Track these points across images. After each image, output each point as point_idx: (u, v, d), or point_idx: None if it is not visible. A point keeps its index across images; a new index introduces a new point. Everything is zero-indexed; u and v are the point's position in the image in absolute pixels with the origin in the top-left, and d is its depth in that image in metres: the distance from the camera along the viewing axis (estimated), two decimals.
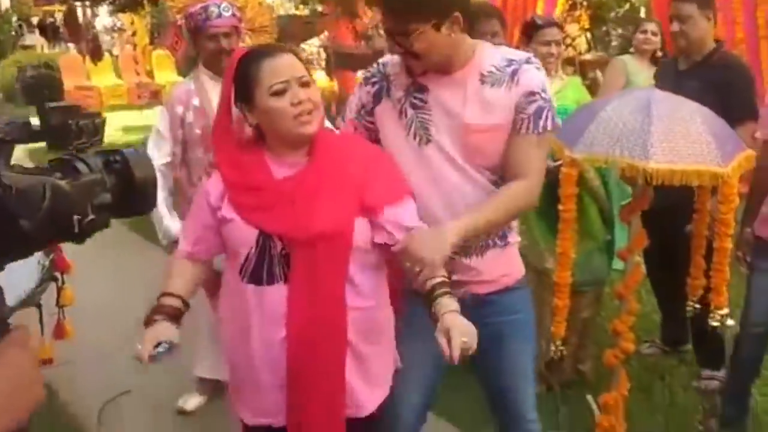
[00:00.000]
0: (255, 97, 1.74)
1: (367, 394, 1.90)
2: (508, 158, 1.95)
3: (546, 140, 1.96)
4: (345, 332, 1.80)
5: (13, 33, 22.48)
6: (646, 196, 2.59)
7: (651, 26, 4.79)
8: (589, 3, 10.99)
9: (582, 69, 10.75)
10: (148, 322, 1.80)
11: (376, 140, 2.03)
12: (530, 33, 3.22)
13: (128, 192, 1.03)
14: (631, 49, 4.86)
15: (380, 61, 2.06)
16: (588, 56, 11.34)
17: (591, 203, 3.06)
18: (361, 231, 1.79)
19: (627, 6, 11.46)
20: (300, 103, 1.72)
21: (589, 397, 3.22)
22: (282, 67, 1.72)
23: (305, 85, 1.74)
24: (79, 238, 0.97)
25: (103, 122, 1.14)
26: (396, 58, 2.00)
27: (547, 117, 1.90)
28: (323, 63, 10.11)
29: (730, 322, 2.65)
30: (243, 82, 1.76)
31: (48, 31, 21.86)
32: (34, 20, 22.93)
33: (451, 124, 1.91)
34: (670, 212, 2.75)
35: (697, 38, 3.23)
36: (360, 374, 1.87)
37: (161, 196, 2.90)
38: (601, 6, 11.49)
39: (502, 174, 1.96)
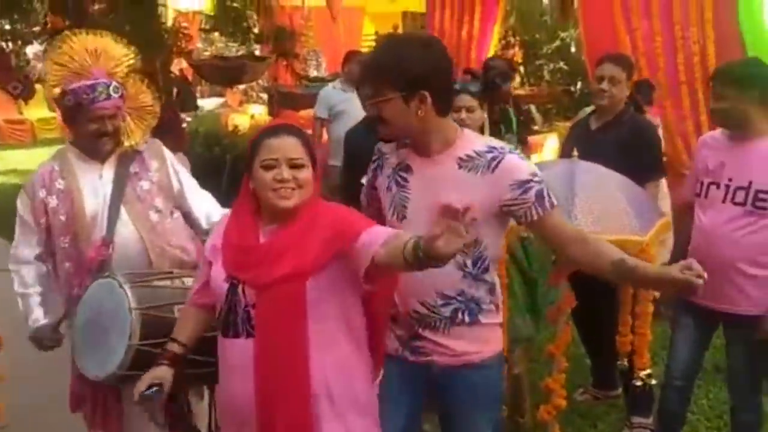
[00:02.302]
0: (252, 166, 1.96)
1: None
2: (549, 239, 2.12)
3: (559, 210, 2.11)
4: (309, 384, 1.91)
5: None
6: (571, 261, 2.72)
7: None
8: (522, 41, 11.37)
9: (515, 103, 11.12)
10: (156, 364, 2.08)
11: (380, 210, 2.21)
12: None
13: None
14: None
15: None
16: (521, 91, 11.73)
17: (510, 265, 3.15)
18: (324, 278, 1.91)
19: (558, 42, 11.87)
20: (282, 180, 1.91)
21: None
22: (277, 146, 1.93)
23: (295, 167, 1.93)
24: None
25: None
26: None
27: (549, 194, 2.04)
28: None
29: (653, 381, 2.80)
30: (249, 153, 1.99)
31: None
32: None
33: (426, 203, 2.03)
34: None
35: (619, 100, 3.44)
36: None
37: (35, 290, 2.62)
38: (533, 43, 11.88)
39: (474, 257, 2.08)
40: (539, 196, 2.02)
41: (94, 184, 2.58)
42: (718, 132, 2.92)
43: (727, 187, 2.72)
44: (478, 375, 2.16)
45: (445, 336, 2.12)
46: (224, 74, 7.81)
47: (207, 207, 2.76)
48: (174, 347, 2.11)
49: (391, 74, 1.98)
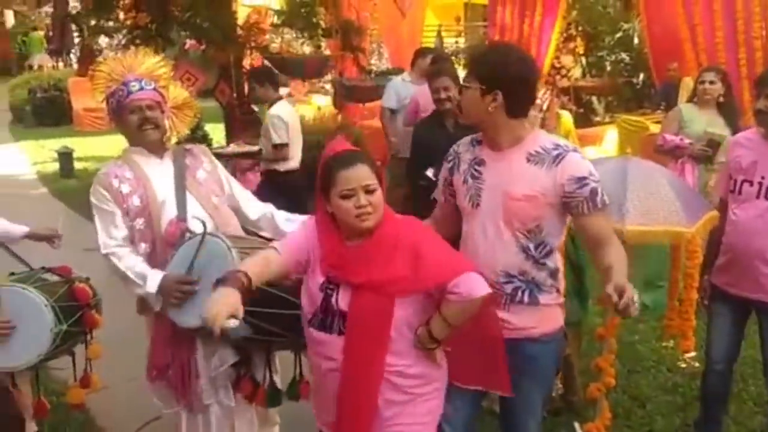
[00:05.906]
0: (330, 195, 2.20)
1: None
2: (587, 234, 2.35)
3: (608, 211, 2.35)
4: (380, 375, 2.18)
5: (18, 51, 22.69)
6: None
7: (709, 76, 4.88)
8: (584, 32, 11.39)
9: (577, 94, 11.18)
10: (222, 285, 2.08)
11: (456, 205, 2.49)
12: None
13: None
14: (695, 99, 4.94)
15: (457, 143, 2.52)
16: (582, 82, 11.76)
17: None
18: (408, 302, 2.17)
19: (620, 33, 11.84)
20: (361, 206, 2.15)
21: (576, 425, 3.56)
22: (352, 177, 2.15)
23: (369, 192, 2.16)
24: None
25: None
26: (466, 140, 2.48)
27: (602, 194, 2.31)
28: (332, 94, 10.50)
29: (696, 364, 3.00)
30: (323, 181, 2.22)
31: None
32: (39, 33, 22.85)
33: (497, 192, 2.34)
34: None
35: None
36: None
37: (138, 260, 2.74)
38: (595, 35, 11.88)
39: (536, 242, 2.34)
40: (593, 192, 2.28)
41: (159, 173, 2.82)
42: (750, 132, 3.07)
43: (760, 184, 2.90)
44: (537, 349, 2.41)
45: (505, 311, 2.37)
46: (296, 68, 8.26)
47: (253, 201, 3.02)
48: (243, 278, 2.12)
49: (476, 68, 2.32)
